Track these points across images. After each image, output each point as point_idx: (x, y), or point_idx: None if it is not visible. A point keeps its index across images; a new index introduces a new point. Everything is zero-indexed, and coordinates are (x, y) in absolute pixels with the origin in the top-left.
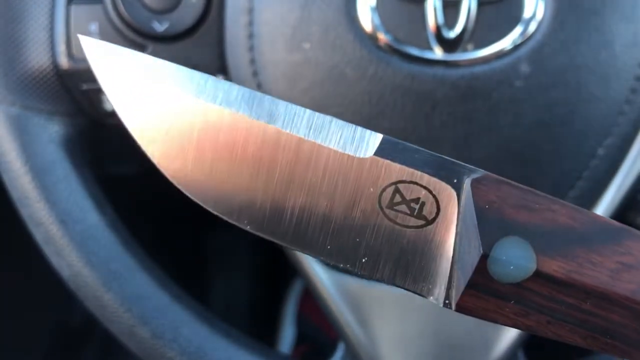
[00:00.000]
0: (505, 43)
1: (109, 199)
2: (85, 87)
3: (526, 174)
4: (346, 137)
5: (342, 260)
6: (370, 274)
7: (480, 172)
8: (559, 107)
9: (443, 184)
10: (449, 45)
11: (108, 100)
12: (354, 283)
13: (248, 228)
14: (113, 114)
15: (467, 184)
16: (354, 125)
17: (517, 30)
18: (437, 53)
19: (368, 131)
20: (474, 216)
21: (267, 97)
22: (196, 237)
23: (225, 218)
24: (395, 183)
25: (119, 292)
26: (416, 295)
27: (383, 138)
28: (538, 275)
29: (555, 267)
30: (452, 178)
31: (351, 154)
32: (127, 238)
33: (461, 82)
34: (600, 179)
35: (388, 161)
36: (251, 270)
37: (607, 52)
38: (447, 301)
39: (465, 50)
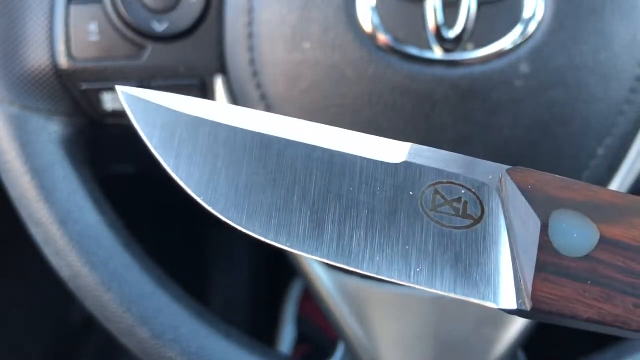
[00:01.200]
0: (505, 43)
1: (108, 199)
2: (84, 87)
3: None
4: (376, 147)
5: (395, 273)
6: (428, 285)
7: (508, 166)
8: (559, 107)
9: (480, 180)
10: (449, 45)
11: (108, 100)
12: (354, 283)
13: (288, 246)
14: (112, 114)
15: (503, 174)
16: (380, 137)
17: (517, 30)
18: (437, 53)
19: (395, 141)
20: (521, 197)
21: (297, 120)
22: (196, 237)
23: (261, 238)
24: (434, 185)
25: (119, 292)
26: (416, 295)
27: (412, 146)
28: (605, 242)
29: (619, 232)
30: (487, 174)
31: (384, 160)
32: (127, 238)
33: (461, 82)
34: (600, 179)
35: (422, 164)
36: (251, 270)
37: (607, 52)
38: (520, 300)
39: (465, 50)
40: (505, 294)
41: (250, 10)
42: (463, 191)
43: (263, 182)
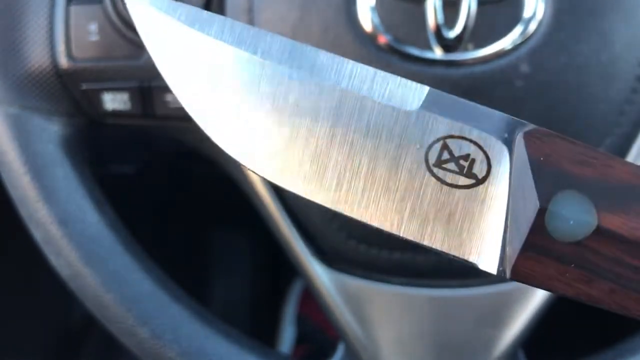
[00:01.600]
0: (506, 43)
1: (108, 199)
2: (84, 86)
3: None
4: (391, 89)
5: (386, 224)
6: (416, 238)
7: (531, 125)
8: (559, 107)
9: (494, 138)
10: (449, 45)
11: (108, 100)
12: (354, 283)
13: (286, 186)
14: (112, 114)
15: (519, 137)
16: (399, 77)
17: (517, 30)
18: (437, 53)
19: (414, 83)
20: (528, 170)
21: (309, 48)
22: (196, 237)
23: (260, 173)
24: (444, 138)
25: (119, 292)
26: (416, 295)
27: (430, 90)
28: (600, 232)
29: (617, 223)
30: (503, 132)
31: (396, 106)
32: (127, 238)
33: (461, 82)
34: None
35: (435, 115)
36: (251, 270)
37: (607, 51)
38: (500, 268)
39: (465, 50)
40: (488, 258)
41: (250, 10)
42: (473, 148)
43: (267, 119)
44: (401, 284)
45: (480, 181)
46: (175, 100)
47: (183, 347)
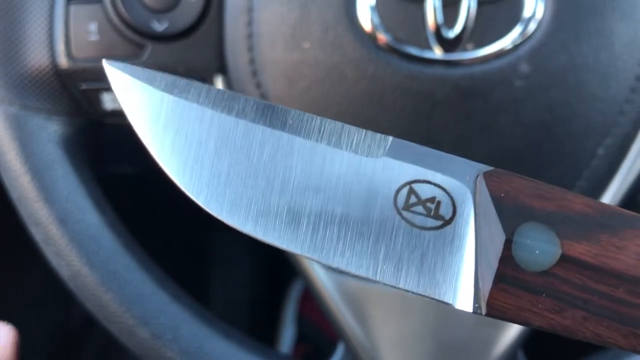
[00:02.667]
0: (505, 42)
1: (108, 199)
2: (84, 86)
3: (526, 173)
4: (357, 141)
5: (362, 268)
6: (392, 282)
7: (489, 167)
8: (559, 107)
9: (456, 181)
10: (449, 45)
11: (108, 100)
12: (354, 283)
13: (264, 238)
14: (112, 114)
15: (479, 178)
16: (364, 130)
17: (517, 29)
18: (437, 53)
19: (378, 134)
20: (492, 206)
21: (280, 107)
22: (196, 237)
23: (240, 229)
24: (410, 183)
25: (119, 292)
26: (416, 296)
27: (393, 140)
28: (565, 259)
29: (580, 250)
30: (464, 175)
31: (364, 156)
32: (127, 238)
33: (461, 81)
34: (600, 178)
35: (400, 162)
36: (251, 270)
37: (607, 51)
38: (476, 305)
39: (465, 49)
40: (464, 297)
41: (250, 10)
42: (438, 191)
43: (244, 172)
44: None
45: (447, 222)
46: None
47: (183, 347)
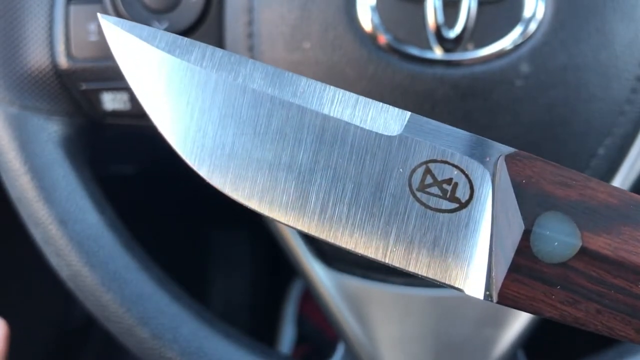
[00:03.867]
0: (506, 43)
1: (108, 199)
2: (84, 86)
3: None
4: (373, 115)
5: (371, 250)
6: (402, 265)
7: (512, 149)
8: (560, 106)
9: (476, 162)
10: (449, 45)
11: (108, 100)
12: (354, 283)
13: (269, 214)
14: (112, 114)
15: (500, 160)
16: (380, 103)
17: (518, 29)
18: (437, 53)
19: (396, 109)
20: (511, 192)
21: (291, 74)
22: (196, 237)
23: (244, 203)
24: (426, 162)
25: (119, 292)
26: (416, 295)
27: (411, 115)
28: (584, 252)
29: (601, 243)
30: (485, 156)
31: (379, 131)
32: (127, 238)
33: (461, 81)
34: (601, 179)
35: (417, 139)
36: (251, 271)
37: (607, 51)
38: (487, 292)
39: (465, 50)
40: (475, 283)
41: (250, 10)
42: (455, 172)
43: (249, 144)
44: (401, 284)
45: (463, 205)
46: None
47: (183, 347)
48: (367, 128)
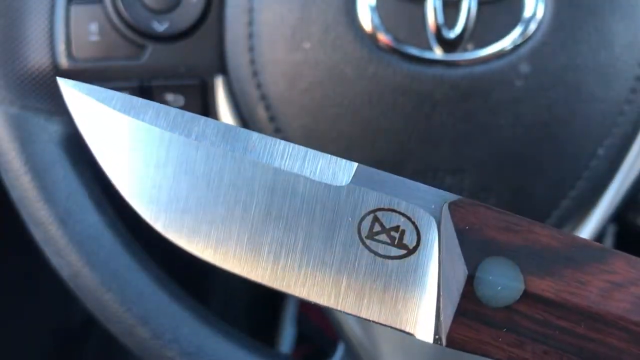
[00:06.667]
0: (506, 43)
1: (108, 199)
2: None
3: (526, 174)
4: (322, 166)
5: (323, 298)
6: (353, 311)
7: (456, 196)
8: (559, 107)
9: (421, 210)
10: (449, 45)
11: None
12: None
13: (223, 266)
14: None
15: (445, 208)
16: (329, 155)
17: (517, 30)
18: (437, 53)
19: (343, 160)
20: (455, 238)
21: (243, 130)
22: None
23: (199, 255)
24: (374, 211)
25: (119, 292)
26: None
27: (358, 166)
28: (527, 296)
29: (544, 286)
30: (430, 203)
31: (328, 182)
32: (127, 238)
33: (461, 82)
34: (601, 179)
35: (365, 188)
36: None
37: (607, 52)
38: (437, 336)
39: (465, 50)
40: (424, 327)
41: (250, 10)
42: (402, 219)
43: (203, 198)
44: None
45: (411, 251)
46: (176, 100)
47: (183, 347)
48: (317, 179)
